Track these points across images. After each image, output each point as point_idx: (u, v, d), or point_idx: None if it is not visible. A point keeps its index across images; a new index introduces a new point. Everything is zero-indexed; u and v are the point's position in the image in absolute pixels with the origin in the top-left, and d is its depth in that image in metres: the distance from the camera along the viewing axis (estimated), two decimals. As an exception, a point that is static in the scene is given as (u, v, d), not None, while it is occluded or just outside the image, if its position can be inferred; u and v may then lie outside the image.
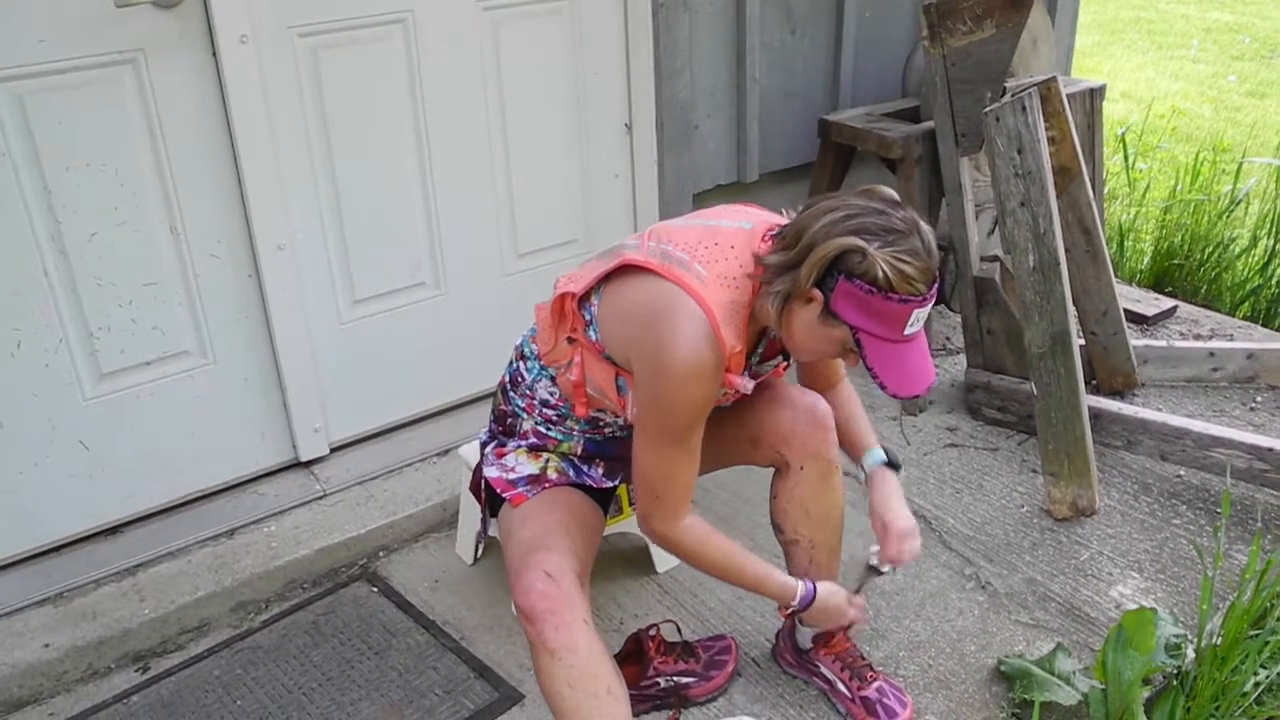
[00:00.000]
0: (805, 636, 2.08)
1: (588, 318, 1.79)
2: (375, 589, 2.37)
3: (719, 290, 1.69)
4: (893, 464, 1.99)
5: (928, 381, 1.69)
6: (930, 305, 1.63)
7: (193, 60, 2.24)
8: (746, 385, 1.75)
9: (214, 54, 2.25)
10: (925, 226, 1.63)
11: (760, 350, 1.85)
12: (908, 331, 1.62)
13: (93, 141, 2.17)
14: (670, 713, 2.04)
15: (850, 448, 2.03)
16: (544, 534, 1.81)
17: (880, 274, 1.56)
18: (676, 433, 1.73)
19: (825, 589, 1.92)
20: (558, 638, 1.69)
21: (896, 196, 1.66)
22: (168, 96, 2.23)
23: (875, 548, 1.97)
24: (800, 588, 1.89)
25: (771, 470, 2.02)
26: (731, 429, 1.97)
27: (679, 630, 2.16)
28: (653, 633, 2.06)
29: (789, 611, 1.92)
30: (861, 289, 1.58)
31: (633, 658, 2.05)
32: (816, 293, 1.62)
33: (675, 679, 2.05)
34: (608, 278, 1.77)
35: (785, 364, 1.94)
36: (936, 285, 1.63)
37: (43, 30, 2.06)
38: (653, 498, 1.79)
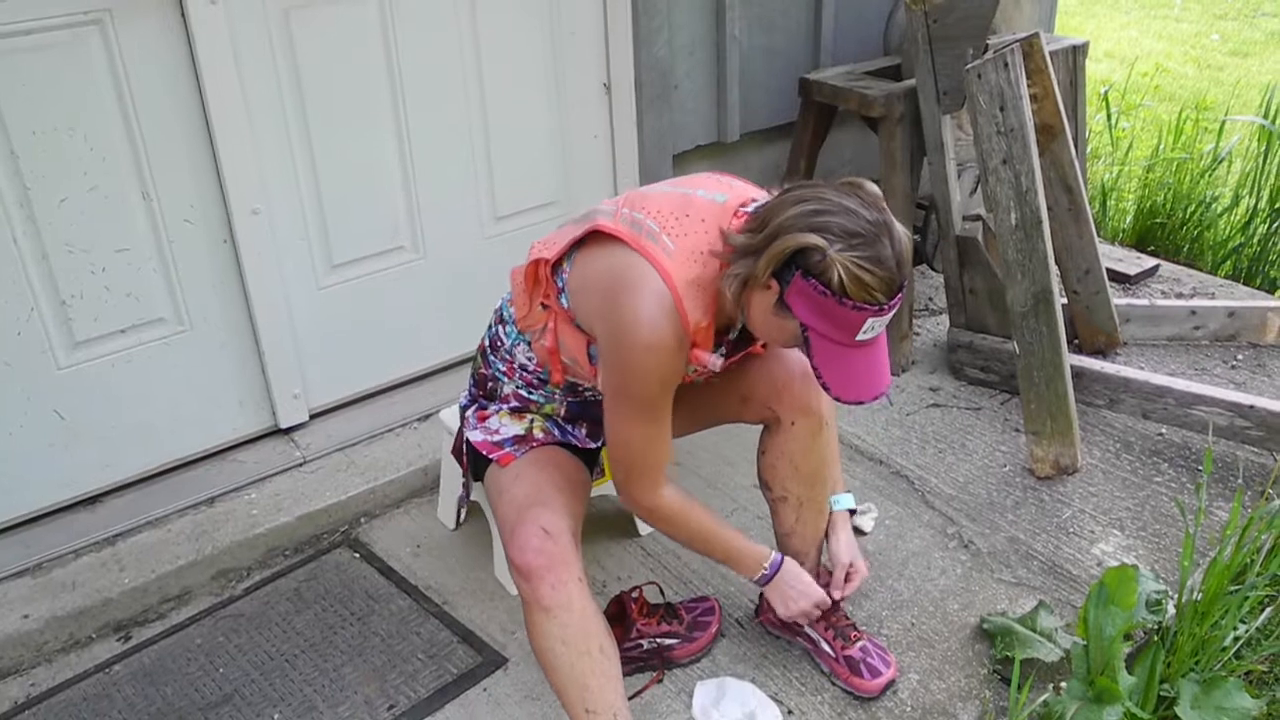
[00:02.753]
0: None
1: (560, 285, 1.77)
2: (357, 555, 2.36)
3: (685, 265, 1.66)
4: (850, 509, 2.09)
5: (877, 390, 1.66)
6: (889, 315, 1.58)
7: (161, 21, 2.19)
8: (714, 363, 1.73)
9: (182, 15, 2.21)
10: (900, 232, 1.57)
11: (740, 328, 1.82)
12: (860, 338, 1.59)
13: (59, 105, 2.12)
14: (653, 674, 2.04)
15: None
16: (538, 491, 1.81)
17: (836, 277, 1.52)
18: (642, 405, 1.72)
19: (792, 568, 1.95)
20: (553, 595, 1.70)
21: (879, 195, 1.61)
22: (136, 58, 2.18)
23: (859, 507, 1.96)
24: (770, 558, 1.92)
25: (759, 429, 2.01)
26: (721, 387, 1.96)
27: (661, 592, 2.16)
28: (635, 595, 2.06)
29: (759, 579, 1.94)
30: (816, 289, 1.54)
31: (616, 620, 2.05)
32: (774, 282, 1.59)
33: (658, 640, 2.05)
34: (580, 244, 1.75)
35: (764, 346, 1.94)
36: (900, 296, 1.58)
37: (5, -10, 2.01)
38: (626, 469, 1.79)
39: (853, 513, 2.10)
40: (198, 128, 2.29)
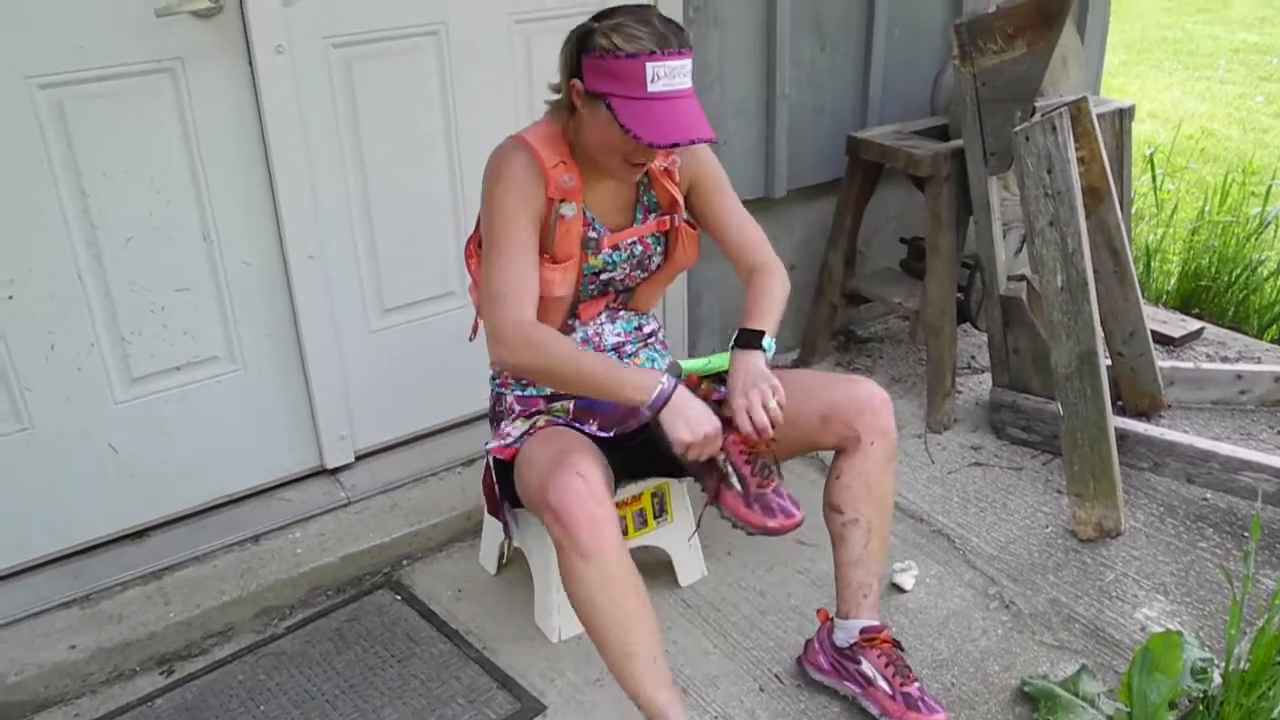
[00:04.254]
0: (847, 634, 2.04)
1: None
2: (399, 597, 2.38)
3: (533, 131, 1.97)
4: (752, 344, 1.94)
5: (687, 134, 1.79)
6: (670, 61, 1.79)
7: (229, 69, 2.26)
8: (569, 180, 1.93)
9: (250, 63, 2.28)
10: (653, 9, 1.86)
11: (648, 205, 2.07)
12: (652, 88, 1.78)
13: (130, 148, 2.19)
14: (707, 495, 1.92)
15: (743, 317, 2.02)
16: (568, 448, 1.87)
17: (606, 41, 1.79)
18: (501, 229, 1.89)
19: (686, 393, 1.83)
20: (592, 540, 1.74)
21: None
22: (204, 105, 2.25)
23: (899, 565, 1.95)
24: (662, 380, 1.82)
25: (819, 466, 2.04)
26: (801, 409, 2.00)
27: (776, 462, 1.94)
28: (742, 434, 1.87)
29: (648, 407, 1.81)
30: (596, 59, 1.80)
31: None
32: (578, 83, 1.85)
33: (730, 468, 1.87)
34: None
35: (682, 221, 2.09)
36: (680, 47, 1.80)
37: (83, 38, 2.09)
38: (496, 301, 1.87)
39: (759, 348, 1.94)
40: (259, 172, 2.35)
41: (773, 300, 2.04)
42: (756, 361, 1.92)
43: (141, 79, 2.17)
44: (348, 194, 2.49)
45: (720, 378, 1.96)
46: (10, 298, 2.14)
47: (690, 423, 1.81)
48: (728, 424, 1.87)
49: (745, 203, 3.03)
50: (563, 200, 1.93)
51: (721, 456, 1.87)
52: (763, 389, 1.86)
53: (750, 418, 1.84)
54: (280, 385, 2.54)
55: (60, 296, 2.20)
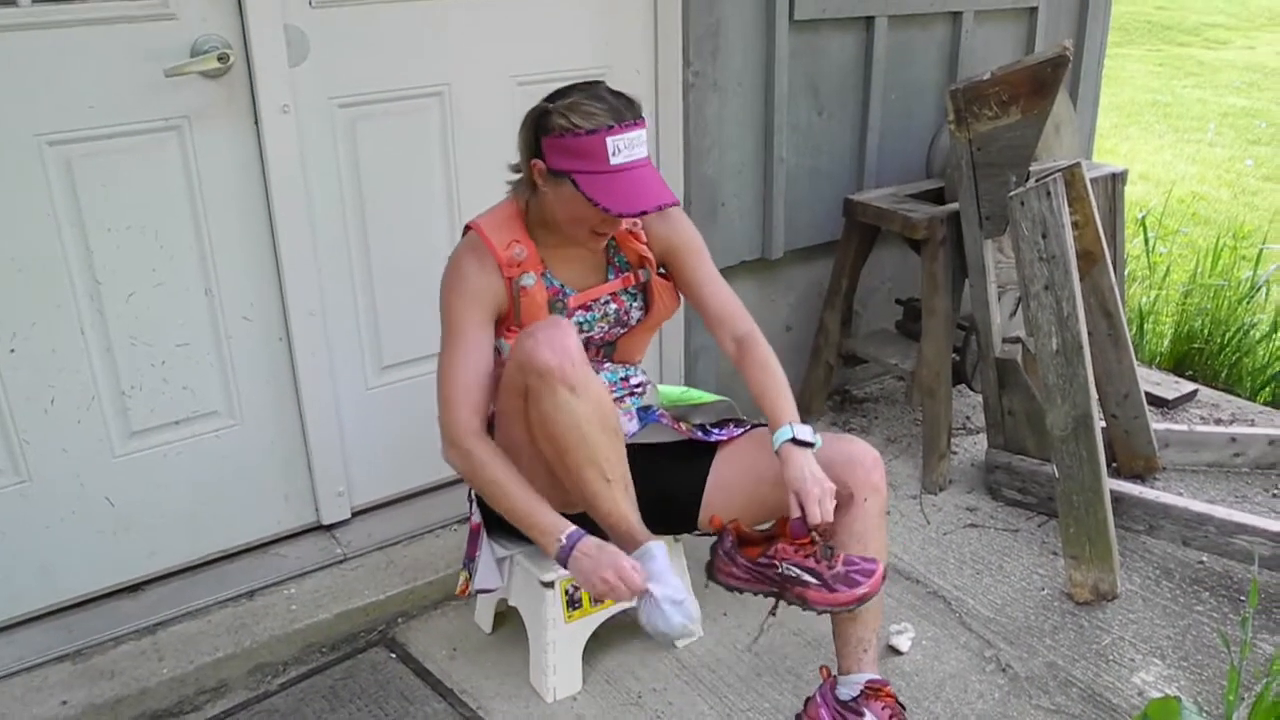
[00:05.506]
0: (851, 688, 2.04)
1: None
2: (393, 655, 2.37)
3: (488, 216, 2.05)
4: (803, 442, 1.99)
5: (652, 202, 1.87)
6: (628, 133, 1.86)
7: (235, 128, 2.29)
8: (521, 253, 2.01)
9: (256, 122, 2.31)
10: (603, 84, 1.93)
11: (618, 265, 2.14)
12: (614, 161, 1.86)
13: (135, 204, 2.22)
14: (771, 605, 2.00)
15: (768, 418, 2.08)
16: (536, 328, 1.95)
17: (564, 120, 1.86)
18: (448, 325, 1.98)
19: (594, 541, 1.90)
20: (579, 375, 1.87)
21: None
22: (209, 162, 2.28)
23: (895, 627, 1.93)
24: (569, 528, 1.90)
25: None
26: None
27: (829, 545, 1.99)
28: (799, 520, 1.95)
29: (555, 554, 1.90)
30: (556, 138, 1.88)
31: (756, 540, 2.02)
32: (539, 163, 1.92)
33: (796, 569, 1.94)
34: None
35: (655, 274, 2.15)
36: (634, 119, 1.88)
37: (94, 97, 2.12)
38: (443, 401, 1.97)
39: (808, 445, 1.99)
40: (262, 229, 2.38)
41: (784, 381, 2.12)
42: (812, 463, 1.98)
43: (149, 137, 2.20)
44: (349, 251, 2.51)
45: (703, 426, 2.22)
46: (12, 351, 2.15)
47: (587, 575, 1.87)
48: (772, 539, 1.99)
49: (743, 264, 3.09)
50: (521, 273, 2.00)
51: (781, 566, 1.96)
52: (825, 488, 1.94)
53: (820, 508, 1.91)
54: (278, 441, 2.54)
55: (61, 350, 2.21)
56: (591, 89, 1.91)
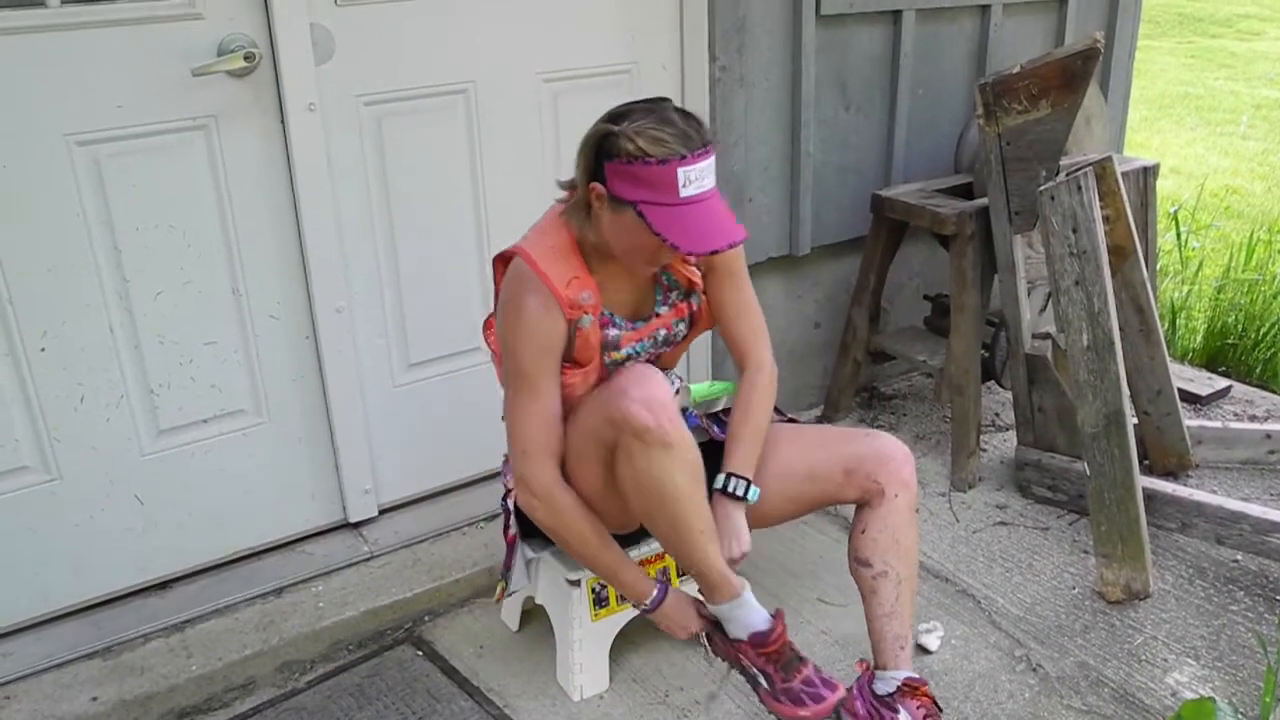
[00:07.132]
0: (888, 683, 2.02)
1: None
2: (420, 653, 2.37)
3: (538, 238, 1.93)
4: (734, 496, 2.02)
5: (723, 240, 1.77)
6: (699, 163, 1.75)
7: (262, 126, 2.30)
8: (587, 297, 1.90)
9: (282, 120, 2.31)
10: (670, 104, 1.81)
11: (667, 284, 2.05)
12: (684, 193, 1.75)
13: (163, 203, 2.23)
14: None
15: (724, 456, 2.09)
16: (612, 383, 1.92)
17: (632, 145, 1.73)
18: (520, 374, 1.90)
19: (676, 597, 2.04)
20: (674, 432, 1.82)
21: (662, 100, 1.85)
22: (236, 161, 2.29)
23: (924, 625, 1.93)
24: (655, 588, 2.01)
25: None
26: (822, 463, 2.07)
27: (799, 656, 2.03)
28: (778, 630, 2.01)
29: (642, 610, 2.03)
30: (623, 164, 1.75)
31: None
32: (599, 186, 1.80)
33: (754, 670, 2.01)
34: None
35: (702, 301, 2.10)
36: (704, 145, 1.76)
37: (123, 97, 2.13)
38: (520, 450, 1.94)
39: (739, 499, 2.04)
40: (289, 227, 2.38)
41: (759, 427, 2.08)
42: (739, 517, 2.02)
43: (177, 135, 2.21)
44: (375, 249, 2.52)
45: (718, 416, 2.27)
46: (43, 350, 2.17)
47: (674, 626, 2.04)
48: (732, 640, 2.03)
49: (770, 260, 3.08)
50: (582, 314, 1.92)
51: (744, 662, 2.01)
52: (740, 540, 2.00)
53: (728, 550, 1.98)
54: (305, 438, 2.55)
55: (91, 349, 2.22)
56: (659, 109, 1.78)
